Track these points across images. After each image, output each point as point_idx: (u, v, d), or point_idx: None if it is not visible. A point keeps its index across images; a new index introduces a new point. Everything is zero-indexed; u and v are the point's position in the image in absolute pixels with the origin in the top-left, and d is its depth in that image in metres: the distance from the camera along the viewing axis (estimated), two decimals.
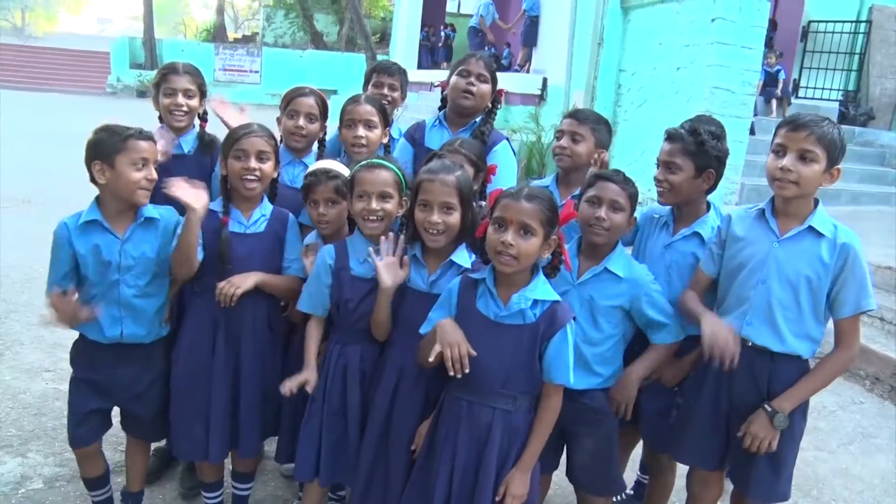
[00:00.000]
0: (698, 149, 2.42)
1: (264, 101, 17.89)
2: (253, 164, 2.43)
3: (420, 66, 17.39)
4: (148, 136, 2.37)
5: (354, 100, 2.87)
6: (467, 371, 1.99)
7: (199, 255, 2.41)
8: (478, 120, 3.04)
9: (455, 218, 2.18)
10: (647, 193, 2.88)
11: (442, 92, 3.11)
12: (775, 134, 2.25)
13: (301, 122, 2.85)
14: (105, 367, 2.45)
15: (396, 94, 3.32)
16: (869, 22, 11.20)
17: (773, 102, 10.88)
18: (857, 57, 11.40)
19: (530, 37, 12.38)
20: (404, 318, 2.28)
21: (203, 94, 2.95)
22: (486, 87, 3.00)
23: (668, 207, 2.59)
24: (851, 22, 11.30)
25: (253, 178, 2.44)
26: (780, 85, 10.48)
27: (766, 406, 2.24)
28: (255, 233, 2.50)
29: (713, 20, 7.41)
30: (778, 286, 2.24)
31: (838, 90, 11.29)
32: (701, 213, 2.53)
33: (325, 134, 3.00)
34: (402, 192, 2.38)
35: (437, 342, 2.02)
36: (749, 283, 2.29)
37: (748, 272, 2.30)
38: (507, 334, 2.04)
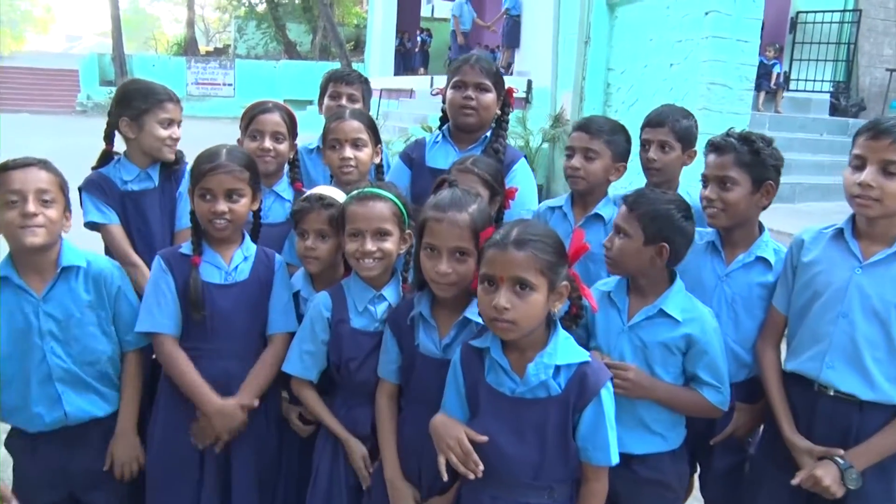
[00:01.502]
0: (754, 159, 2.04)
1: (238, 115, 17.36)
2: (221, 206, 2.02)
3: (397, 73, 17.03)
4: None
5: (338, 116, 2.45)
6: (481, 468, 1.61)
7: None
8: (488, 134, 2.63)
9: (469, 266, 1.77)
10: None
11: (443, 101, 2.68)
12: (853, 143, 1.88)
13: (267, 143, 2.43)
14: (53, 458, 2.01)
15: (358, 106, 2.87)
16: (858, 11, 10.96)
17: (762, 95, 10.59)
18: (845, 47, 11.16)
19: (513, 37, 12.01)
20: (416, 391, 1.87)
21: None
22: (489, 97, 2.56)
23: (709, 228, 2.20)
24: (839, 11, 11.06)
25: (222, 221, 2.03)
26: (774, 78, 10.19)
27: (839, 458, 1.86)
28: (238, 281, 2.09)
29: (707, 13, 7.12)
30: (863, 320, 1.86)
31: (829, 81, 11.04)
32: (755, 234, 2.14)
33: (295, 154, 2.57)
34: (403, 226, 1.98)
35: (437, 451, 1.65)
36: (826, 316, 1.91)
37: (825, 304, 1.92)
38: (530, 412, 1.64)
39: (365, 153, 2.42)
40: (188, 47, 28.77)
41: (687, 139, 2.50)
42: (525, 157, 2.70)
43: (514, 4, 11.92)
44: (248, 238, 2.17)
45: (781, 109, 10.26)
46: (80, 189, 2.40)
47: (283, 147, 2.47)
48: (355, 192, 1.99)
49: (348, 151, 2.38)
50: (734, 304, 2.11)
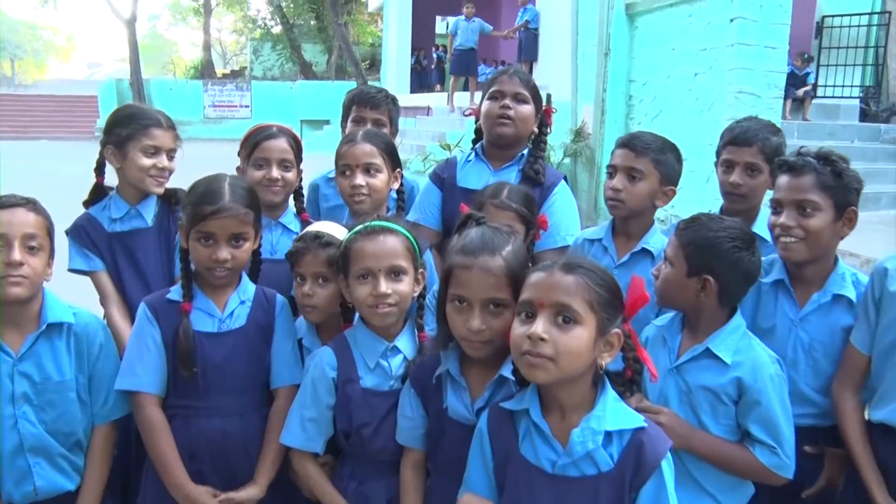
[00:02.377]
0: (837, 181, 1.78)
1: None
2: (224, 253, 1.78)
3: (413, 90, 16.91)
4: None
5: (350, 139, 2.22)
6: None
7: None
8: (525, 153, 2.41)
9: (506, 319, 1.50)
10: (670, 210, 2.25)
11: (476, 121, 2.48)
12: None
13: (274, 172, 2.19)
14: None
15: (385, 132, 2.58)
16: (887, 13, 10.63)
17: (789, 103, 10.28)
18: (873, 51, 10.83)
19: (531, 51, 11.81)
20: (444, 461, 1.62)
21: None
22: (528, 109, 2.35)
23: (775, 260, 1.93)
24: (867, 14, 10.74)
25: (223, 270, 1.80)
26: (809, 86, 9.94)
27: None
28: (233, 329, 1.85)
29: (732, 20, 6.89)
30: None
31: (858, 86, 10.70)
32: (830, 268, 1.87)
33: (301, 182, 2.34)
34: (416, 264, 1.74)
35: None
36: None
37: None
38: (576, 493, 1.37)
39: (379, 179, 2.19)
40: (205, 70, 28.98)
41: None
42: (565, 178, 2.48)
43: (534, 17, 11.71)
44: (245, 279, 1.93)
45: (809, 117, 9.95)
46: (66, 233, 2.21)
47: (291, 175, 2.24)
48: (359, 226, 1.75)
49: (360, 178, 2.16)
50: (812, 350, 1.85)
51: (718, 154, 2.26)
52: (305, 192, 2.52)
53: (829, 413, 1.85)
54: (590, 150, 8.70)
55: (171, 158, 2.24)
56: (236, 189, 1.82)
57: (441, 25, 21.50)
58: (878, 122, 10.24)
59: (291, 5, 27.40)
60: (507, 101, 2.33)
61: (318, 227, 1.95)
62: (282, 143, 2.21)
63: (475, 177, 2.41)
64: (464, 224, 1.68)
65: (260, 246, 1.97)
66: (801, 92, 9.94)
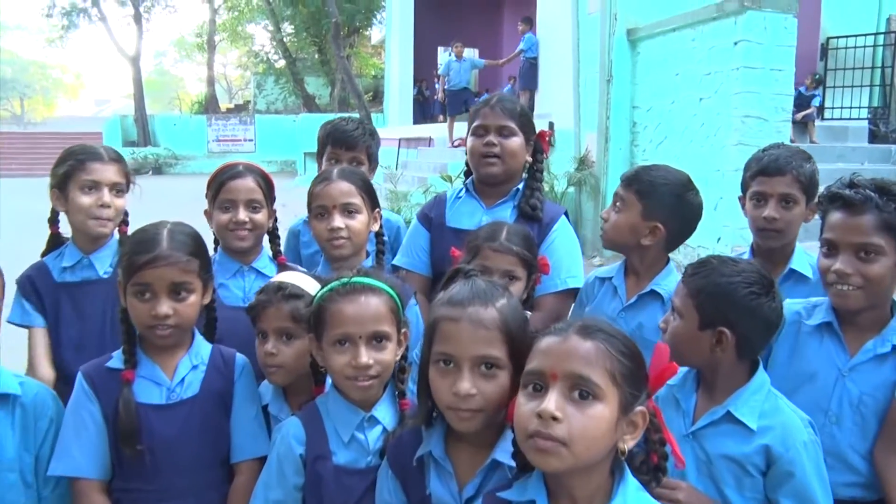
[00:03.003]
0: None
1: None
2: (163, 307, 1.58)
3: (416, 122, 16.88)
4: None
5: (324, 178, 2.04)
6: None
7: None
8: (520, 186, 2.24)
9: (500, 384, 1.30)
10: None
11: (465, 152, 2.31)
12: None
13: (241, 214, 2.00)
14: None
15: (363, 170, 2.40)
16: (892, 33, 10.50)
17: (790, 127, 10.10)
18: (880, 71, 10.67)
19: (529, 79, 11.72)
20: None
21: (127, 189, 2.14)
22: (515, 143, 2.17)
23: (821, 303, 1.72)
24: (871, 35, 10.61)
25: (165, 329, 1.60)
26: (810, 109, 9.76)
27: None
28: (184, 399, 1.64)
29: (736, 43, 6.75)
30: None
31: (866, 108, 10.53)
32: (888, 314, 1.66)
33: (275, 222, 2.15)
34: (400, 324, 1.54)
35: None
36: None
37: None
38: None
39: (359, 221, 2.00)
40: (209, 105, 29.13)
41: (811, 189, 1.99)
42: (566, 213, 2.30)
43: (531, 46, 11.64)
44: (198, 339, 1.73)
45: (816, 139, 9.78)
46: (16, 281, 2.02)
47: (261, 217, 2.04)
48: (336, 282, 1.53)
49: (338, 220, 1.97)
50: (861, 406, 1.63)
51: (745, 187, 2.06)
52: (284, 237, 2.34)
53: (876, 484, 1.62)
54: (594, 179, 8.53)
55: (117, 195, 2.04)
56: (176, 235, 1.63)
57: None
58: (889, 143, 10.05)
59: (294, 39, 27.57)
60: (492, 138, 2.15)
61: (282, 277, 1.76)
62: (249, 183, 2.02)
63: (467, 215, 2.23)
64: (451, 279, 1.46)
65: (214, 301, 1.77)
66: (800, 116, 9.75)
